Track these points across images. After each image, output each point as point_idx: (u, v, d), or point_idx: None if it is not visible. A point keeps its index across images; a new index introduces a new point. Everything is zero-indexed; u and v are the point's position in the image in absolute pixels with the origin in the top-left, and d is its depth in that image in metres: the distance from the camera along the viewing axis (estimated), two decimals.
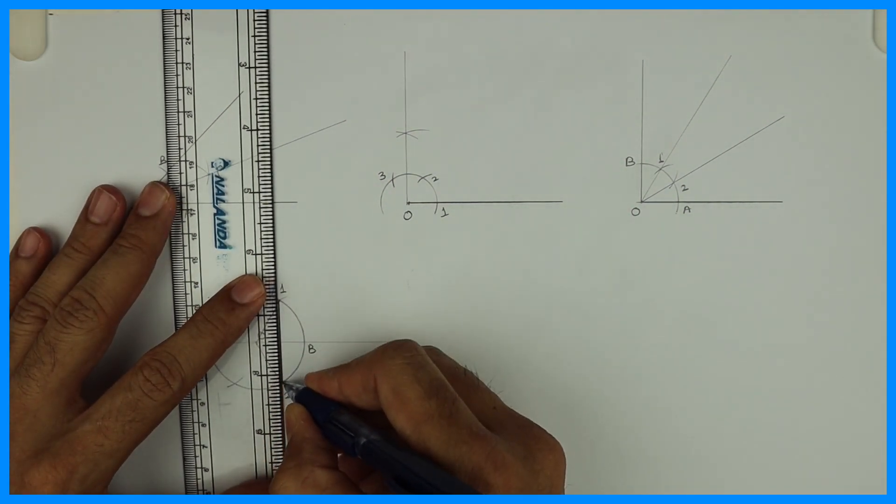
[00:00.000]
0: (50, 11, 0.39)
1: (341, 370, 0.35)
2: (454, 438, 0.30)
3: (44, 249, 0.39)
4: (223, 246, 0.39)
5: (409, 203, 0.39)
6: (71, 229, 0.39)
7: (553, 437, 0.32)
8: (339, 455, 0.35)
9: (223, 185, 0.39)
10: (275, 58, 0.39)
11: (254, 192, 0.39)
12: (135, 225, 0.38)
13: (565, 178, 0.39)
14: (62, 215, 0.39)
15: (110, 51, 0.39)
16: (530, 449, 0.31)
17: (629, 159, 0.39)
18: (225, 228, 0.39)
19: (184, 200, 0.39)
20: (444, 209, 0.39)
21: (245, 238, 0.39)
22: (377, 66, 0.39)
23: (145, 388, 0.35)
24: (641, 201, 0.39)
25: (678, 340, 0.39)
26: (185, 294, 0.39)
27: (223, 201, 0.39)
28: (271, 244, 0.39)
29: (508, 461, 0.30)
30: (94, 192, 0.39)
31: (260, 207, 0.39)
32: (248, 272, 0.39)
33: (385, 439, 0.32)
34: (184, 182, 0.39)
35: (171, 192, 0.39)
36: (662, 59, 0.38)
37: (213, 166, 0.39)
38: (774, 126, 0.38)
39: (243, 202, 0.39)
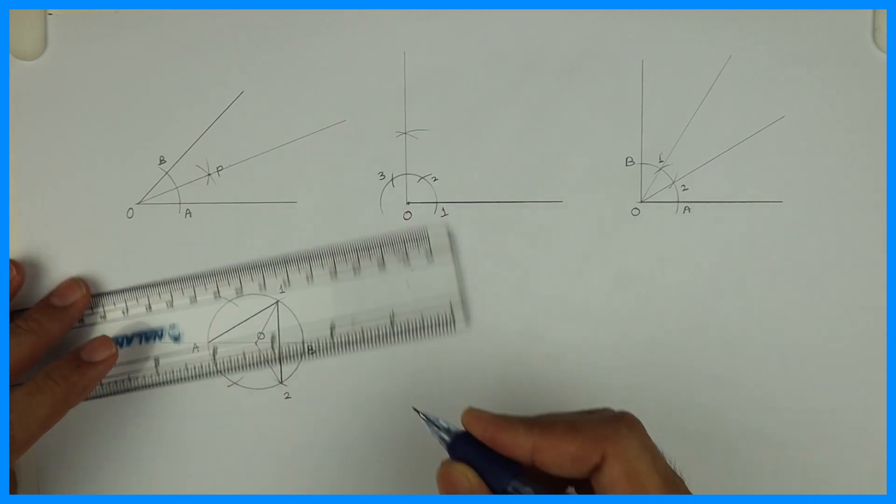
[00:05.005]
0: (50, 11, 0.39)
1: (539, 429, 0.29)
2: None
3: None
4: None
5: (408, 203, 0.39)
6: (70, 230, 0.39)
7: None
8: None
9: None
10: (275, 58, 0.39)
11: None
12: (41, 311, 0.38)
13: (565, 178, 0.39)
14: (62, 215, 0.39)
15: (110, 51, 0.39)
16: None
17: (629, 159, 0.39)
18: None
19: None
20: (443, 209, 0.39)
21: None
22: (377, 66, 0.39)
23: None
24: (641, 201, 0.39)
25: (677, 340, 0.39)
26: None
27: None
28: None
29: None
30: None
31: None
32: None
33: None
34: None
35: (88, 292, 0.39)
36: (662, 59, 0.38)
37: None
38: (774, 126, 0.38)
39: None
